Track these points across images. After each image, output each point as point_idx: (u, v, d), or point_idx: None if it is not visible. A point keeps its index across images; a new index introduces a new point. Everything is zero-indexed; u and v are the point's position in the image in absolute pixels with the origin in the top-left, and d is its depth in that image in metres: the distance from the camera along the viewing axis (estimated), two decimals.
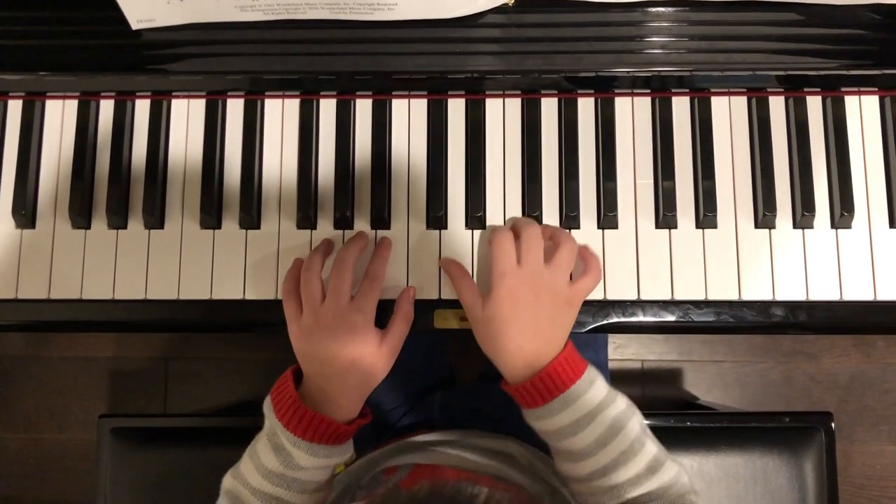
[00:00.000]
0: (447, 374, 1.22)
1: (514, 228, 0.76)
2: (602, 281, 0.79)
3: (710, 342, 1.74)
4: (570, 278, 0.75)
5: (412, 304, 0.78)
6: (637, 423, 0.70)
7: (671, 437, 1.04)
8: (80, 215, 0.81)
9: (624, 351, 1.74)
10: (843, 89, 0.82)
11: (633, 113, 0.83)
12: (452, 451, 0.86)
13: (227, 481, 0.73)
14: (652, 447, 0.70)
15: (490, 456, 0.85)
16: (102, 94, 0.84)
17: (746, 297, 0.79)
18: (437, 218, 0.80)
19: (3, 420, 1.77)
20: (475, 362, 1.48)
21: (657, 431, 0.72)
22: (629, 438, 0.68)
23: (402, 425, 1.02)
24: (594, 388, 0.70)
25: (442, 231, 0.81)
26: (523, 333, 0.71)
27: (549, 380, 0.69)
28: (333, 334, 0.72)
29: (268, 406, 0.73)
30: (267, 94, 0.83)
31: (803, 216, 0.79)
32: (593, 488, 0.69)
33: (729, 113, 0.82)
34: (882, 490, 1.71)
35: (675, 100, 0.82)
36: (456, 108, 0.83)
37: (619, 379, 1.73)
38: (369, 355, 0.73)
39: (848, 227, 0.80)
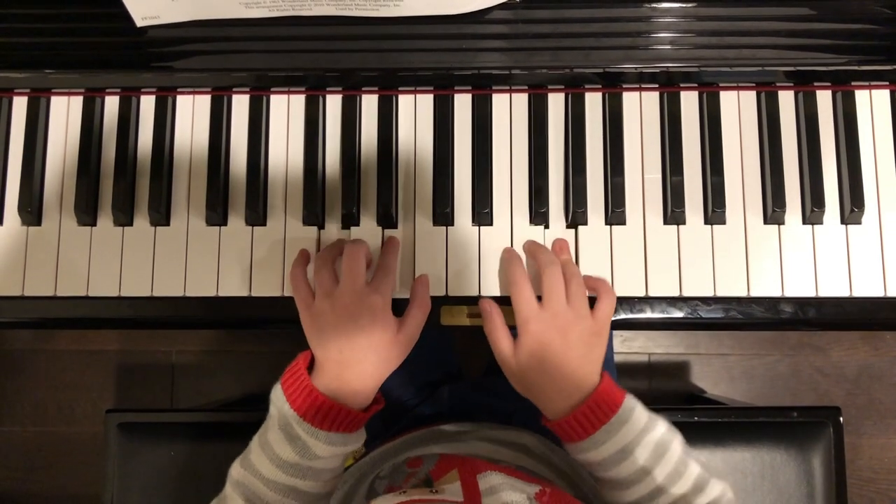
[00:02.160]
0: (454, 368, 1.22)
1: (536, 262, 0.76)
2: (610, 277, 0.79)
3: (717, 335, 1.74)
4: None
5: (427, 291, 0.77)
6: (679, 444, 0.70)
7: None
8: (86, 212, 0.81)
9: (631, 344, 1.74)
10: (854, 84, 0.81)
11: (641, 108, 0.82)
12: (470, 442, 0.86)
13: (238, 472, 0.72)
14: (695, 467, 0.69)
15: (506, 447, 0.85)
16: (107, 90, 0.83)
17: (755, 293, 0.79)
18: (443, 214, 0.80)
19: (11, 413, 1.78)
20: (481, 356, 1.48)
21: None
22: (673, 460, 0.68)
23: (413, 417, 1.02)
24: (635, 414, 0.69)
25: (449, 227, 0.80)
26: (558, 378, 0.71)
27: (591, 412, 0.68)
28: (352, 317, 0.71)
29: (278, 395, 0.71)
30: (272, 89, 0.83)
31: (813, 212, 0.79)
32: None
33: (738, 108, 0.82)
34: (890, 483, 1.71)
35: (683, 94, 0.82)
36: (462, 104, 0.82)
37: (626, 372, 1.73)
38: (387, 341, 0.72)
39: (858, 222, 0.79)
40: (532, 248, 0.78)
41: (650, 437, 0.68)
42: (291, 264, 0.78)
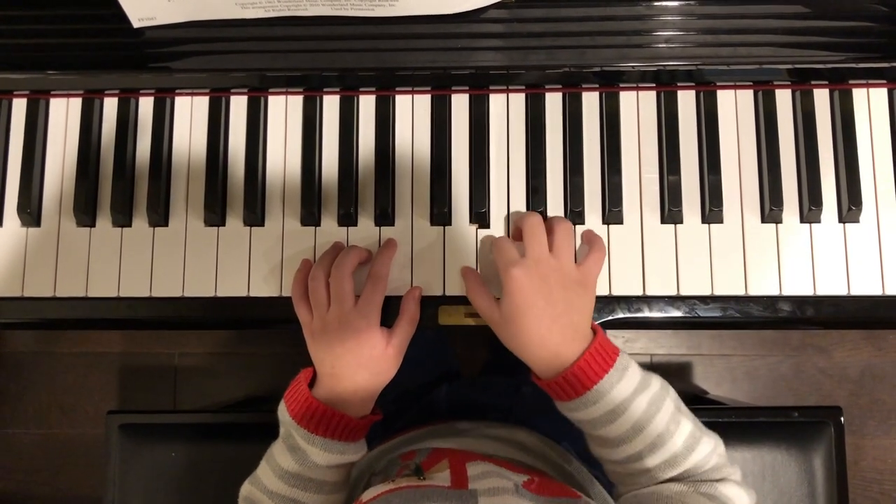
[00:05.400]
0: (453, 367, 1.22)
1: (516, 222, 0.76)
2: (607, 276, 0.79)
3: (719, 336, 1.73)
4: (576, 261, 0.75)
5: (418, 304, 0.78)
6: (671, 402, 0.69)
7: None
8: (85, 213, 0.81)
9: (633, 345, 1.74)
10: (851, 82, 0.81)
11: (638, 107, 0.82)
12: (466, 439, 0.87)
13: (245, 488, 0.75)
14: (687, 425, 0.69)
15: (503, 443, 0.86)
16: (106, 91, 0.84)
17: (753, 292, 0.78)
18: (441, 214, 0.80)
19: (14, 416, 1.78)
20: (479, 355, 1.48)
21: None
22: (664, 421, 0.68)
23: (410, 417, 1.02)
24: (627, 375, 0.68)
25: (446, 227, 0.81)
26: (542, 322, 0.70)
27: (582, 373, 0.68)
28: (340, 339, 0.73)
29: (282, 409, 0.74)
30: (270, 90, 0.83)
31: (810, 210, 0.79)
32: (630, 470, 0.69)
33: (735, 107, 0.82)
34: (893, 484, 1.70)
35: (680, 94, 0.82)
36: (459, 104, 0.83)
37: None
38: (376, 357, 0.74)
39: (856, 221, 0.79)
40: (515, 217, 0.78)
41: (641, 398, 0.68)
42: (293, 277, 0.79)
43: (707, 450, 0.68)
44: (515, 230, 0.78)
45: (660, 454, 0.67)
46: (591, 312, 0.74)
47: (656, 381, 0.70)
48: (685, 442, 0.68)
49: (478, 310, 0.75)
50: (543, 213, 0.80)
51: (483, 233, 0.80)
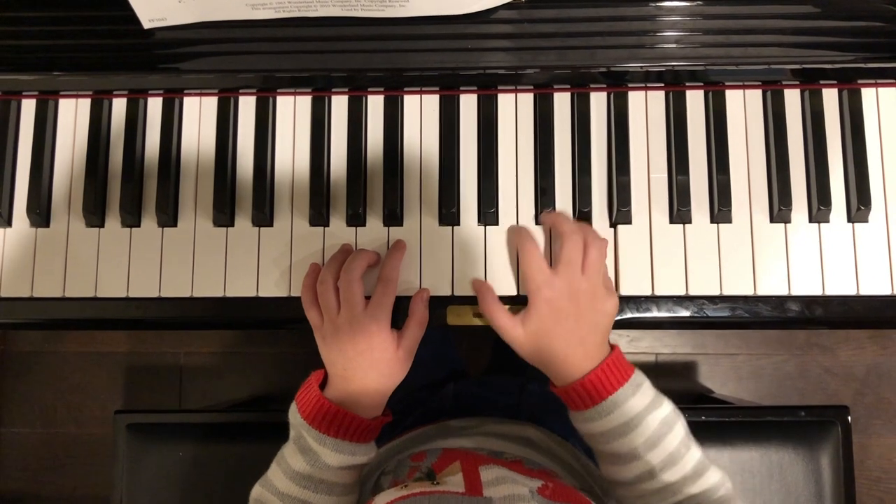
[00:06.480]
0: (459, 367, 1.22)
1: (559, 229, 0.76)
2: (615, 276, 0.79)
3: (724, 335, 1.73)
4: None
5: (426, 306, 0.78)
6: (682, 427, 0.71)
7: None
8: (94, 214, 0.81)
9: (638, 344, 1.74)
10: (860, 81, 0.81)
11: (646, 107, 0.82)
12: (475, 437, 0.87)
13: (255, 490, 0.75)
14: (697, 451, 0.70)
15: (512, 441, 0.86)
16: (115, 92, 0.84)
17: (762, 292, 0.78)
18: (449, 214, 0.80)
19: (21, 415, 1.78)
20: (484, 355, 1.49)
21: None
22: (676, 441, 0.69)
23: (419, 415, 1.02)
24: (641, 391, 0.70)
25: (454, 227, 0.81)
26: (570, 342, 0.72)
27: (599, 382, 0.70)
28: (351, 341, 0.74)
29: (293, 411, 0.74)
30: (279, 91, 0.83)
31: (819, 210, 0.79)
32: (640, 491, 0.70)
33: (744, 106, 0.82)
34: None
35: (689, 93, 0.82)
36: (468, 104, 0.83)
37: None
38: (386, 359, 0.74)
39: (865, 220, 0.79)
40: (552, 217, 0.78)
41: (655, 414, 0.69)
42: (302, 281, 0.79)
43: (716, 479, 0.70)
44: (549, 228, 0.78)
45: (670, 474, 0.68)
46: (612, 322, 0.75)
47: (668, 404, 0.71)
48: (695, 467, 0.69)
49: (498, 328, 0.75)
50: None
51: (491, 230, 0.80)
